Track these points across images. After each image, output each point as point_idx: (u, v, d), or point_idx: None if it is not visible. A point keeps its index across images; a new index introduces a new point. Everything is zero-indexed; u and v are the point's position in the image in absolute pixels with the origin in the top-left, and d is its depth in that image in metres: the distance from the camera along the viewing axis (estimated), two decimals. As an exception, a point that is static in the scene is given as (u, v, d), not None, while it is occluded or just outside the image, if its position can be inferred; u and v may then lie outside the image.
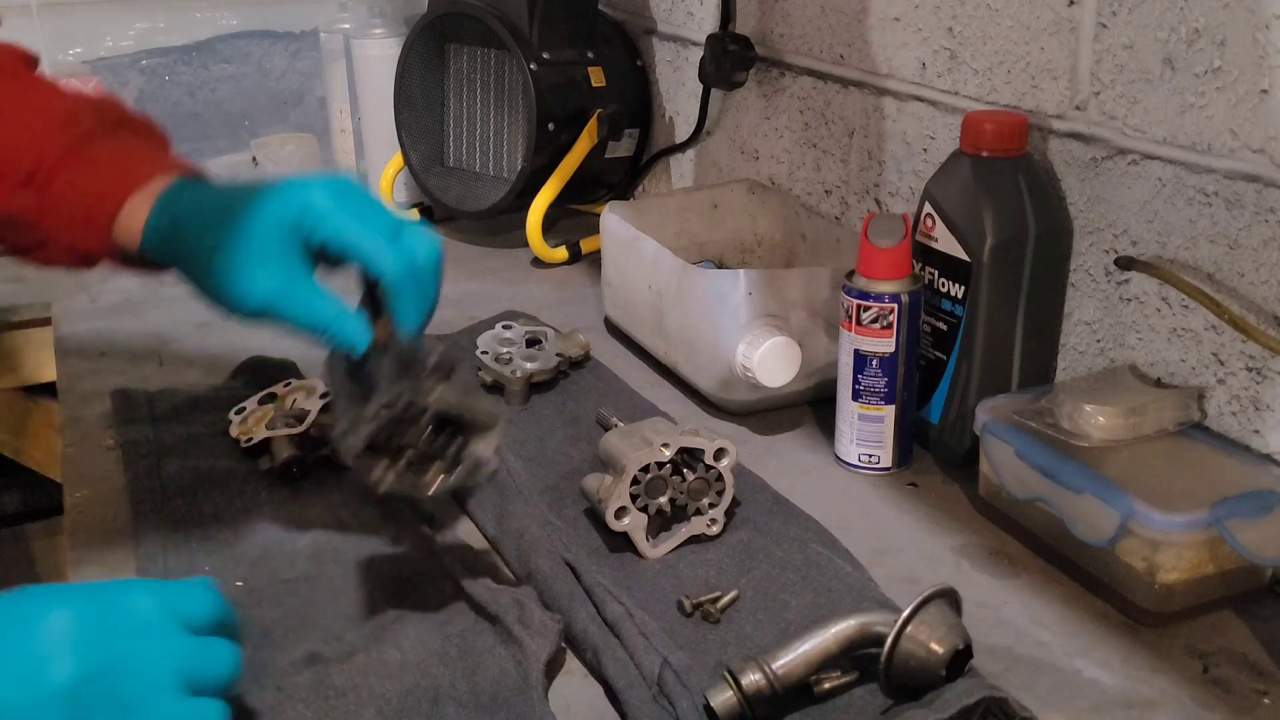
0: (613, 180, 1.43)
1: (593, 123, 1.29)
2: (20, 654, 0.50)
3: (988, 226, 0.81)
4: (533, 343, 1.00)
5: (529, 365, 0.95)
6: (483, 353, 0.97)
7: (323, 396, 0.86)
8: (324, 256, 0.68)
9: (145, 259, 0.73)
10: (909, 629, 0.59)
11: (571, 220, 1.43)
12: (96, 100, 0.78)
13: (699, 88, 1.29)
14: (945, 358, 0.86)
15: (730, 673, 0.60)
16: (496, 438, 0.67)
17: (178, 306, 1.19)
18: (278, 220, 0.67)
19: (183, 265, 0.71)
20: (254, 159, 1.44)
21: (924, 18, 0.97)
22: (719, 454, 0.75)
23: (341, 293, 0.69)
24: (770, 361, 0.87)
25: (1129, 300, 0.82)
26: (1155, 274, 0.78)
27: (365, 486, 0.66)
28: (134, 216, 0.72)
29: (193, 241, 0.69)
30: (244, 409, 0.89)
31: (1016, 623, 0.70)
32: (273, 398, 0.89)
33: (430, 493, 0.67)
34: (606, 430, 0.81)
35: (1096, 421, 0.75)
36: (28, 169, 0.73)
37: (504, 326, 1.01)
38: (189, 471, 0.83)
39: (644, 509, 0.74)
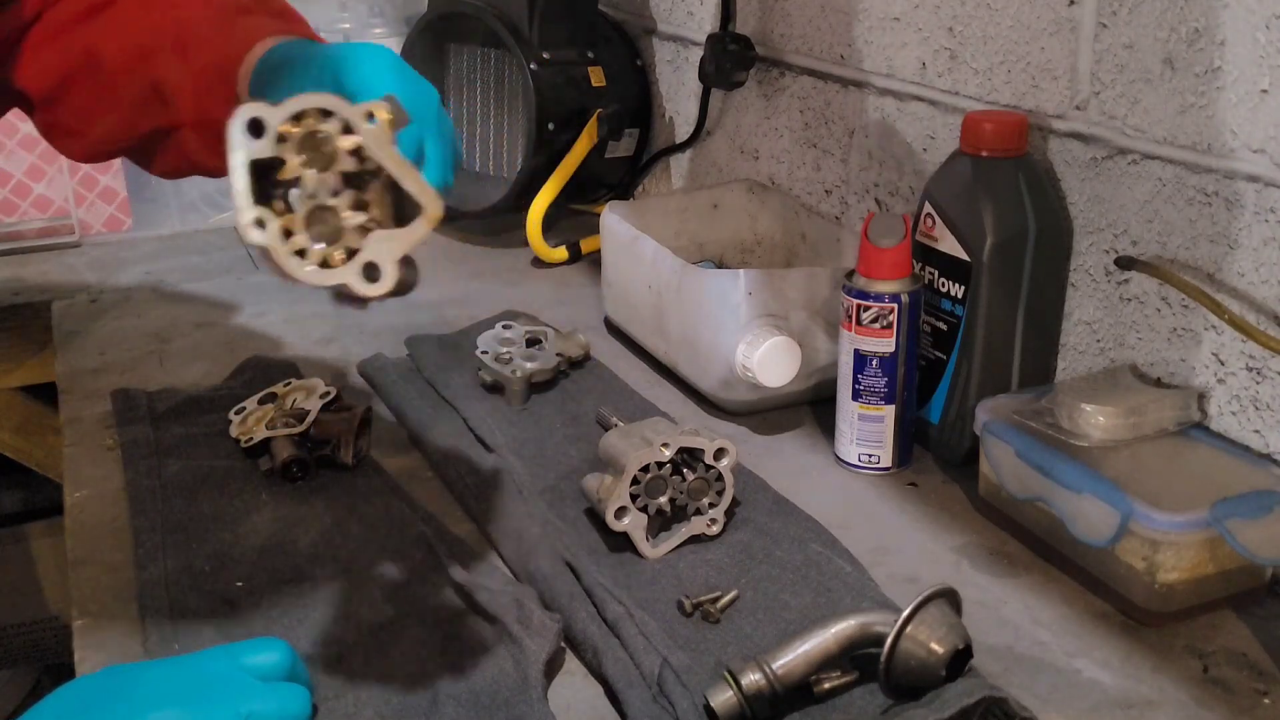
0: (613, 180, 1.43)
1: (593, 123, 1.29)
2: None
3: (988, 226, 0.81)
4: (533, 342, 1.00)
5: (529, 365, 0.95)
6: (483, 352, 0.97)
7: (323, 396, 0.86)
8: None
9: None
10: (909, 629, 0.59)
11: (571, 220, 1.43)
12: None
13: (699, 88, 1.29)
14: (945, 358, 0.86)
15: (730, 673, 0.60)
16: (408, 238, 0.53)
17: (178, 306, 1.19)
18: (326, 68, 0.66)
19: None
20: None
21: (924, 18, 0.97)
22: (719, 454, 0.75)
23: None
24: (770, 361, 0.87)
25: (1129, 300, 0.82)
26: (1155, 274, 0.78)
27: (238, 229, 0.53)
28: (251, 61, 0.76)
29: (269, 86, 0.72)
30: (244, 409, 0.89)
31: (1016, 623, 0.70)
32: (273, 398, 0.89)
33: (299, 275, 0.53)
34: (606, 430, 0.81)
35: (1096, 421, 0.75)
36: (178, 35, 0.80)
37: (504, 326, 1.01)
38: (189, 471, 0.83)
39: (644, 509, 0.74)
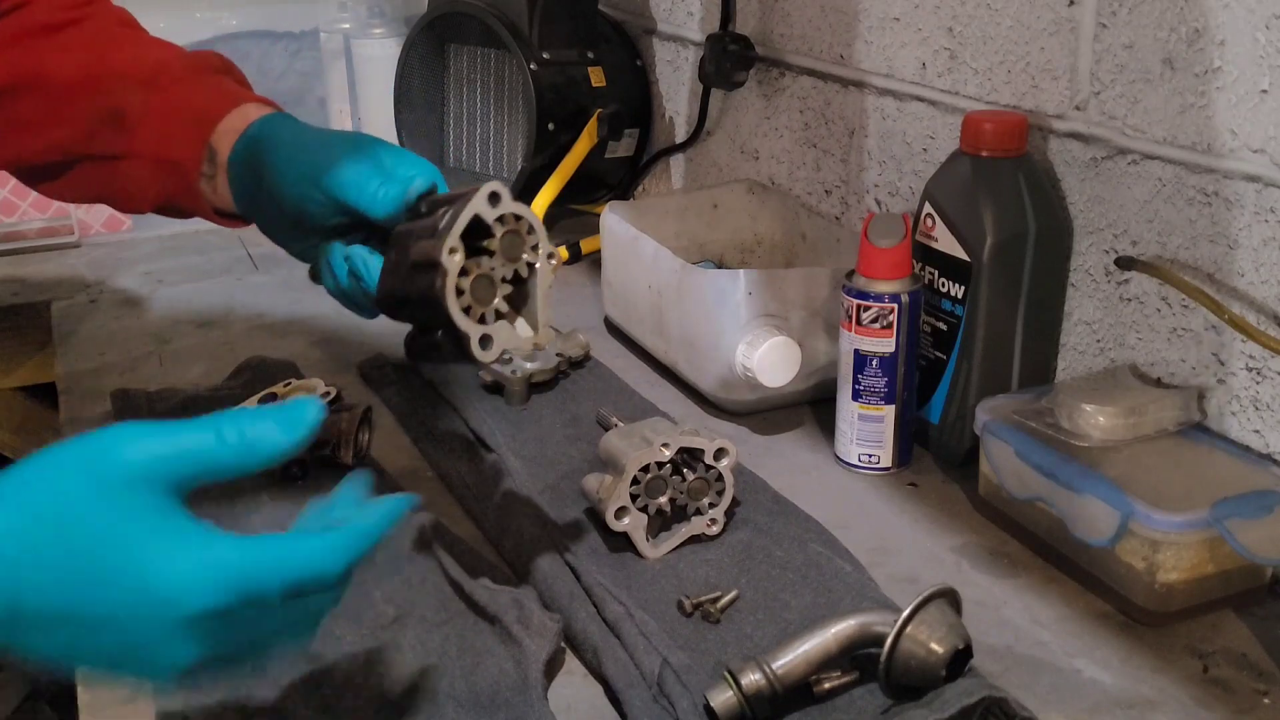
0: (613, 180, 1.43)
1: (593, 123, 1.29)
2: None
3: (988, 226, 0.81)
4: (533, 343, 1.00)
5: (529, 365, 0.95)
6: (483, 353, 0.97)
7: (323, 396, 0.86)
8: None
9: (229, 169, 0.79)
10: (909, 629, 0.59)
11: (571, 220, 1.43)
12: (217, 53, 0.88)
13: (699, 88, 1.29)
14: (945, 358, 0.86)
15: (730, 673, 0.60)
16: (524, 346, 0.66)
17: (178, 306, 1.19)
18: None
19: (259, 179, 0.77)
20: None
21: (924, 18, 0.97)
22: (719, 454, 0.75)
23: None
24: (770, 361, 0.87)
25: (1129, 300, 0.82)
26: (1155, 274, 0.78)
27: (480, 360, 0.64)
28: (242, 118, 0.79)
29: (277, 162, 0.76)
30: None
31: (1016, 623, 0.70)
32: (273, 398, 0.89)
33: (537, 327, 0.65)
34: (606, 430, 0.81)
35: (1096, 421, 0.75)
36: (152, 72, 0.82)
37: (504, 326, 1.01)
38: (189, 471, 0.83)
39: (644, 509, 0.74)
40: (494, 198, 0.64)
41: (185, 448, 0.48)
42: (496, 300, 0.64)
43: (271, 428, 0.50)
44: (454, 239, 0.62)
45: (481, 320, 0.64)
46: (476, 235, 0.64)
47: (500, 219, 0.64)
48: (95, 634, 0.46)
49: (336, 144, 0.75)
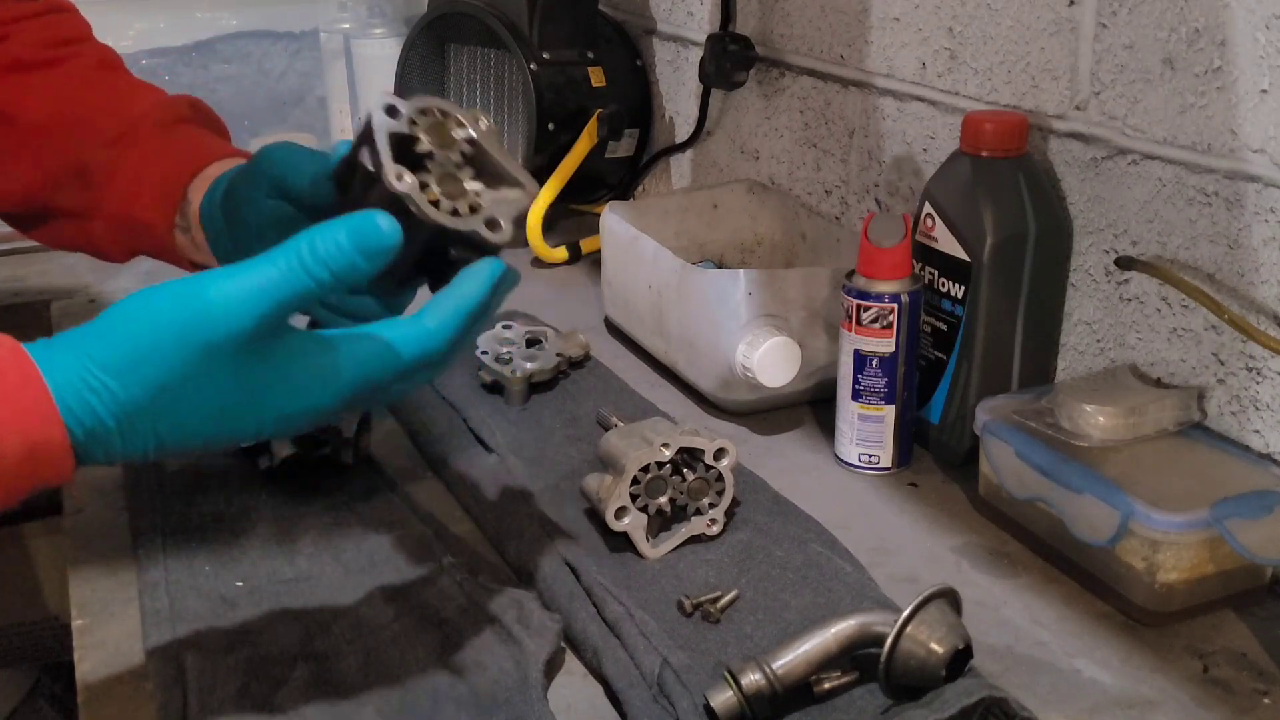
0: (613, 180, 1.43)
1: (593, 123, 1.29)
2: None
3: (988, 226, 0.81)
4: (533, 343, 1.00)
5: (529, 365, 0.95)
6: (483, 353, 0.97)
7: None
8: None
9: (203, 223, 0.77)
10: (909, 629, 0.59)
11: (571, 220, 1.43)
12: (189, 98, 0.85)
13: (699, 88, 1.29)
14: (945, 358, 0.86)
15: (730, 673, 0.60)
16: (520, 202, 0.64)
17: (178, 306, 1.19)
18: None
19: (231, 217, 0.75)
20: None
21: (924, 18, 0.97)
22: (719, 454, 0.75)
23: None
24: (770, 361, 0.87)
25: (1129, 300, 0.82)
26: (1155, 274, 0.78)
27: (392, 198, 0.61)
28: (218, 169, 0.77)
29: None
30: (244, 409, 0.89)
31: (1016, 623, 0.70)
32: (273, 398, 0.89)
33: (436, 218, 0.62)
34: (606, 430, 0.81)
35: (1096, 421, 0.75)
36: (119, 130, 0.80)
37: (504, 326, 1.01)
38: (189, 471, 0.83)
39: (644, 509, 0.74)
40: (391, 110, 0.62)
41: (279, 300, 0.52)
42: (468, 184, 0.63)
43: (357, 260, 0.53)
44: (391, 166, 0.60)
45: (473, 210, 0.62)
46: (407, 150, 0.62)
47: (412, 121, 0.62)
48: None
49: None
